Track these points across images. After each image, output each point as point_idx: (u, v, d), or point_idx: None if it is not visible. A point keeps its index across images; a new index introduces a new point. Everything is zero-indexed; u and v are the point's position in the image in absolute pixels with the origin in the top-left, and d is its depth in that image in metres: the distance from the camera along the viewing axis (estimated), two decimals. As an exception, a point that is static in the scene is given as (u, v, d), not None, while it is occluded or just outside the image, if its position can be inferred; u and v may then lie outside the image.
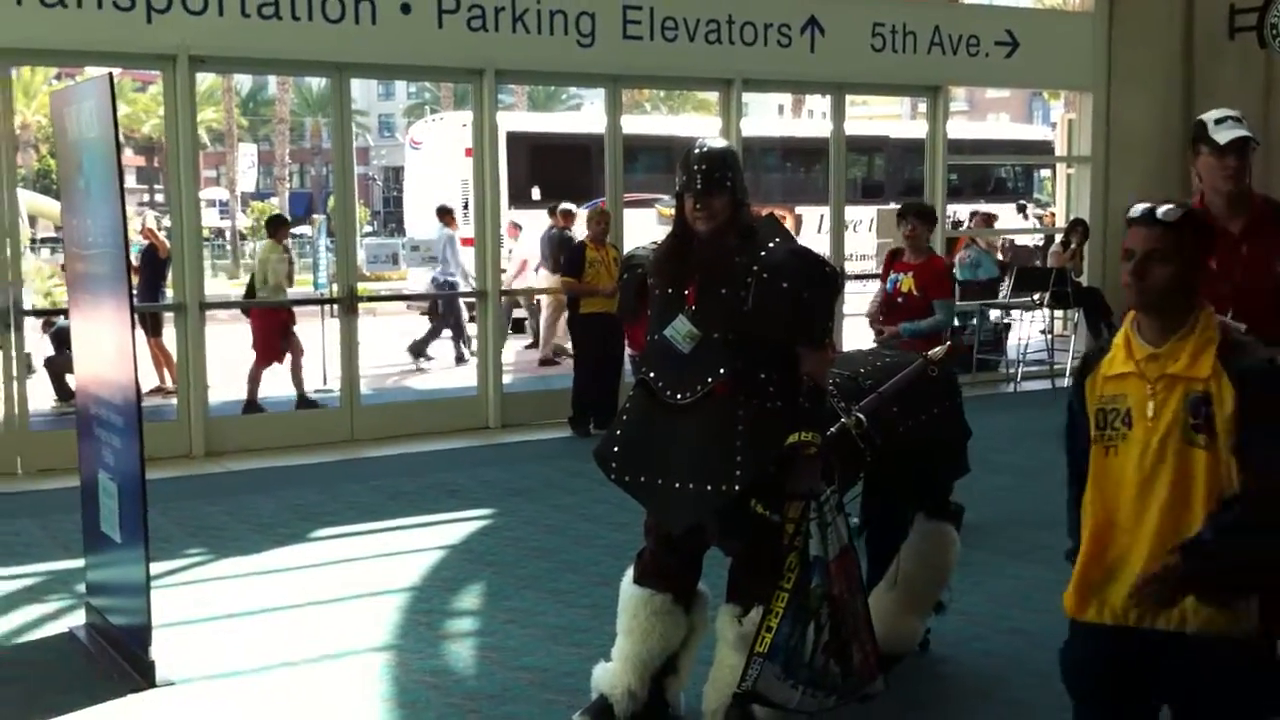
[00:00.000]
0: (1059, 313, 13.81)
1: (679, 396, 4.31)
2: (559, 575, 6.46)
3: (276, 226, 12.28)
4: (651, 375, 4.41)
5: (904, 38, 12.31)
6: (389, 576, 6.46)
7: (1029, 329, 14.14)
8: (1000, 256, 19.31)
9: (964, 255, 14.29)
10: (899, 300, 7.14)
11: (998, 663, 5.28)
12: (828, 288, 4.47)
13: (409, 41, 10.03)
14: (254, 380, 11.16)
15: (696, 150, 4.38)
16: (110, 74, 5.14)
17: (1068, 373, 13.03)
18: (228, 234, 38.21)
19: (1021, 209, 23.05)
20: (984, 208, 18.79)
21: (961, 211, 20.40)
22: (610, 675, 4.55)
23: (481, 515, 7.79)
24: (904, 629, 5.09)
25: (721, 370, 4.24)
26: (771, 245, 4.36)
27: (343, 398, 10.26)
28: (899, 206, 7.58)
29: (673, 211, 4.58)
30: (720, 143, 4.53)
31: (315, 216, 20.62)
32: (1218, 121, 4.43)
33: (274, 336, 11.41)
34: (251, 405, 11.01)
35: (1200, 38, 13.55)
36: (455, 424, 10.39)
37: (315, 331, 12.91)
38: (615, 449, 4.43)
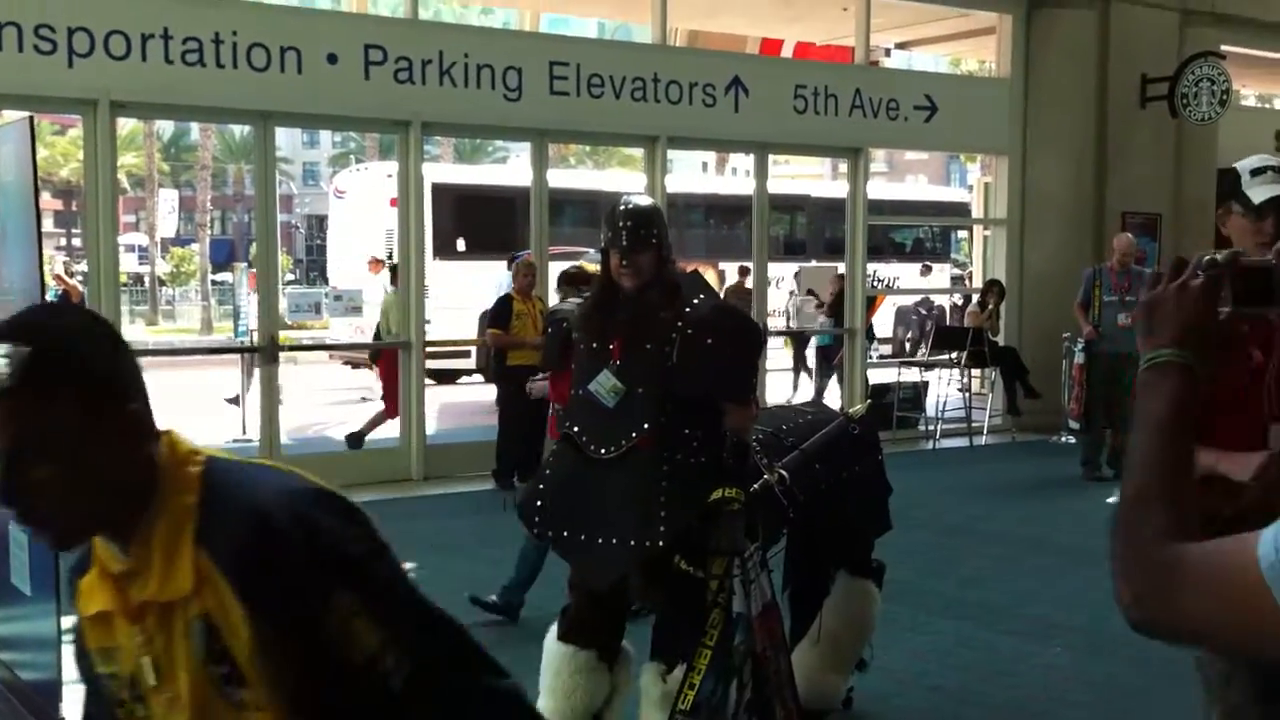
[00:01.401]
0: (976, 371, 14.01)
1: (603, 451, 4.31)
2: (484, 630, 6.40)
3: (395, 273, 11.91)
4: (575, 429, 4.41)
5: (825, 100, 12.52)
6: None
7: (947, 388, 14.35)
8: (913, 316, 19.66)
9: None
10: None
11: (918, 719, 5.31)
12: (751, 344, 4.52)
13: (335, 91, 10.02)
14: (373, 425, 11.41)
15: (622, 207, 4.41)
16: (31, 118, 5.08)
17: (985, 430, 13.25)
18: (146, 280, 37.69)
19: (926, 270, 23.34)
20: (816, 265, 18.88)
21: (881, 270, 20.72)
22: (533, 734, 4.51)
23: (407, 570, 7.68)
24: (826, 686, 5.11)
25: (645, 425, 4.26)
26: (696, 301, 4.40)
27: (263, 447, 10.13)
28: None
29: (598, 267, 4.62)
30: (646, 200, 4.57)
31: (237, 265, 20.37)
32: (1254, 173, 3.37)
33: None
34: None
35: (1114, 105, 13.94)
36: (378, 475, 10.30)
37: (235, 380, 12.76)
38: (539, 503, 4.42)
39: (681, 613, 4.32)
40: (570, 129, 11.63)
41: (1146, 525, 1.38)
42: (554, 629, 4.55)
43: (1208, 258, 1.52)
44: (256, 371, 11.01)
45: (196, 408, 14.78)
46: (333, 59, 9.95)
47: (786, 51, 16.23)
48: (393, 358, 11.18)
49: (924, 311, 19.43)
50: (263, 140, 10.07)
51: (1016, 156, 13.87)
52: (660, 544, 4.17)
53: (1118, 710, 5.43)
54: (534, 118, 10.94)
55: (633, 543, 4.20)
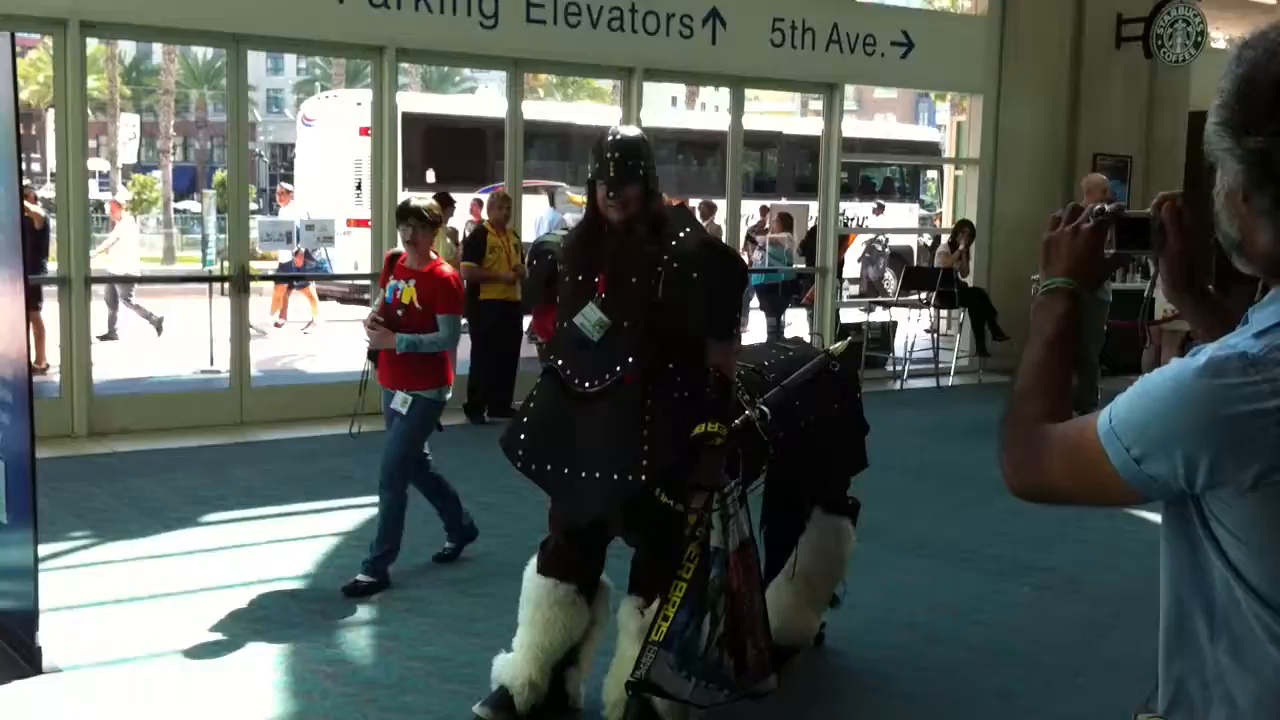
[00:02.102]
0: (945, 312, 14.06)
1: (587, 385, 4.31)
2: (455, 565, 6.43)
3: (442, 206, 11.67)
4: (560, 363, 4.40)
5: (803, 34, 12.43)
6: (282, 563, 6.37)
7: (915, 328, 14.40)
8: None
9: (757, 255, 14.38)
10: (399, 313, 6.07)
11: (889, 657, 5.37)
12: (737, 280, 4.51)
13: (308, 15, 9.87)
14: None
15: (610, 138, 4.37)
16: (12, 34, 4.87)
17: (952, 371, 13.32)
18: (107, 207, 37.16)
19: (879, 210, 23.17)
20: (788, 204, 18.77)
21: (852, 209, 20.67)
22: (511, 666, 4.55)
23: (376, 503, 7.67)
24: (800, 623, 5.16)
25: (630, 359, 4.25)
26: (682, 235, 4.38)
27: (232, 379, 10.07)
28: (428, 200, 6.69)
29: (583, 199, 4.58)
30: (634, 131, 4.52)
31: (206, 192, 20.15)
32: None
33: None
34: None
35: (1089, 46, 13.93)
36: (348, 408, 10.24)
37: (202, 311, 12.66)
38: (522, 437, 4.42)
39: (661, 547, 4.34)
40: (546, 59, 11.49)
41: (1027, 412, 1.74)
42: (533, 562, 4.57)
43: (1098, 207, 1.84)
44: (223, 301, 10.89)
45: (164, 338, 14.71)
46: (306, -18, 9.79)
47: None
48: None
49: (879, 248, 19.28)
50: (235, 64, 9.91)
51: (991, 96, 13.83)
52: (643, 478, 4.17)
53: (1085, 648, 5.51)
54: (509, 47, 10.81)
55: (616, 478, 4.20)
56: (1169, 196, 1.87)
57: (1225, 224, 1.64)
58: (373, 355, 6.48)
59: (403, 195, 10.54)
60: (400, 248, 6.31)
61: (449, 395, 6.29)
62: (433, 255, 6.23)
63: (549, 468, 4.34)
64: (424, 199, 6.48)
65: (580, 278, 4.39)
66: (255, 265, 14.89)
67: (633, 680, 4.17)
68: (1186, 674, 1.65)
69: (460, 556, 6.56)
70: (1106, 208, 1.85)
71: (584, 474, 4.25)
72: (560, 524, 4.50)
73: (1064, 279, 1.82)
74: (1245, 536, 1.54)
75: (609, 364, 4.27)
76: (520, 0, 10.74)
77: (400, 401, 6.05)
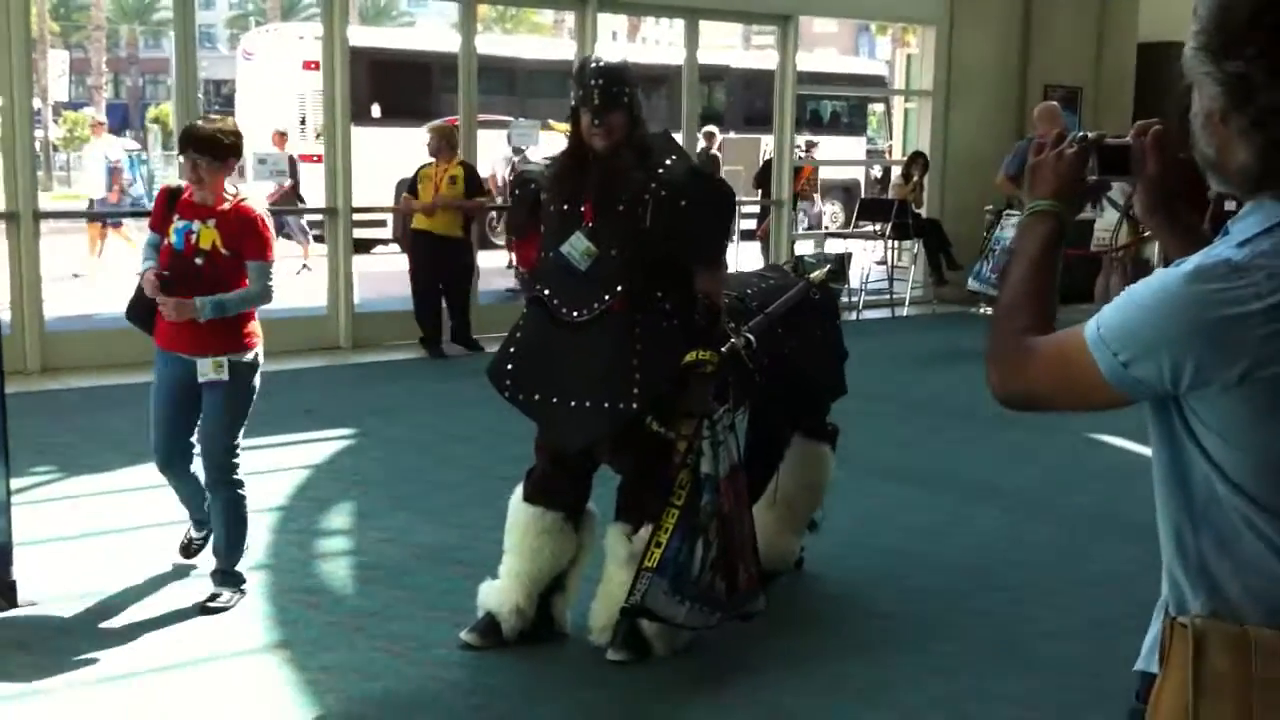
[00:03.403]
0: (900, 243, 14.11)
1: (575, 314, 4.29)
2: (430, 495, 6.41)
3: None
4: (546, 292, 4.37)
5: (757, -35, 12.33)
6: (253, 495, 6.23)
7: (869, 259, 14.46)
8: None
9: None
10: (197, 261, 4.75)
11: (867, 579, 5.44)
12: (724, 207, 4.50)
13: (258, -55, 9.64)
14: None
15: (593, 65, 4.34)
16: None
17: (907, 302, 13.40)
18: (39, 144, 36.35)
19: (811, 145, 22.95)
20: (736, 137, 18.57)
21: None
22: (497, 593, 4.55)
23: (343, 435, 7.66)
24: (782, 547, 5.21)
25: (618, 287, 4.24)
26: (669, 163, 4.36)
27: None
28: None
29: (565, 127, 4.55)
30: (616, 58, 4.48)
31: (149, 126, 19.77)
32: None
33: None
34: None
35: (1040, -24, 13.94)
36: (307, 343, 10.16)
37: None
38: (509, 367, 4.40)
39: (648, 474, 4.36)
40: (500, -10, 11.32)
41: (1014, 325, 1.83)
42: (519, 490, 4.57)
43: (1080, 134, 1.95)
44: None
45: (108, 274, 14.47)
46: (254, -90, 9.55)
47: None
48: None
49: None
50: (182, -5, 9.66)
51: (944, 27, 13.82)
52: (635, 406, 4.17)
53: (1056, 566, 5.62)
54: (463, -23, 10.65)
55: (607, 405, 4.20)
56: (1147, 125, 1.97)
57: (1203, 144, 1.72)
58: (136, 311, 5.00)
59: (354, 130, 10.44)
60: (180, 180, 5.03)
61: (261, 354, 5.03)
62: (230, 192, 4.84)
63: (537, 397, 4.32)
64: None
65: (565, 207, 4.36)
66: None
67: (627, 606, 4.20)
68: (1177, 570, 1.74)
69: (431, 487, 6.52)
70: (1090, 135, 1.95)
71: (574, 402, 4.25)
72: (547, 451, 4.49)
73: (1048, 201, 1.91)
74: (1227, 433, 1.64)
75: (597, 292, 4.25)
76: (474, -72, 10.56)
77: (213, 368, 4.75)
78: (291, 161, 15.19)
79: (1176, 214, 2.01)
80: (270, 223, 4.95)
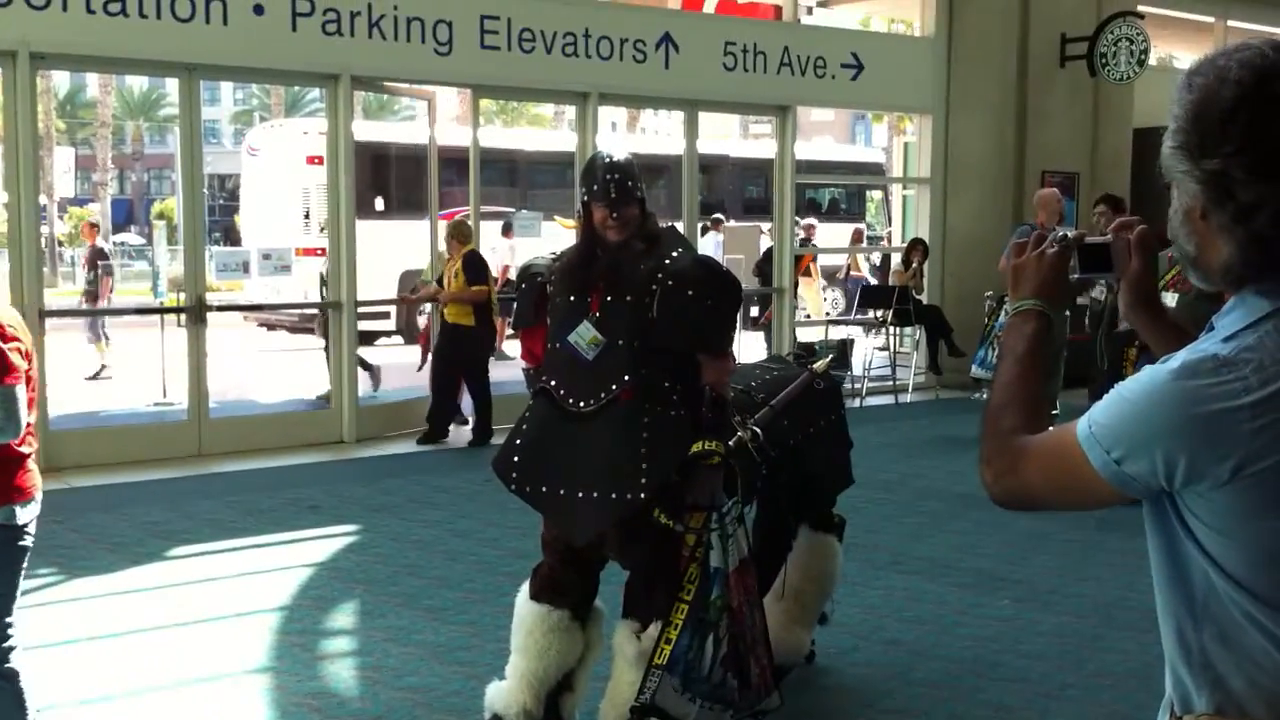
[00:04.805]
0: (901, 329, 14.13)
1: (582, 404, 4.27)
2: (433, 592, 6.34)
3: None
4: (553, 383, 4.36)
5: (754, 57, 12.49)
6: (256, 596, 6.25)
7: (871, 346, 14.48)
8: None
9: None
10: None
11: (879, 673, 5.36)
12: (730, 298, 4.50)
13: (261, 44, 9.77)
14: None
15: (606, 160, 4.38)
16: None
17: (910, 388, 13.39)
18: (44, 241, 36.61)
19: (809, 231, 23.01)
20: (737, 225, 18.68)
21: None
22: (505, 694, 4.47)
23: (346, 532, 7.60)
24: (792, 640, 5.13)
25: (626, 377, 4.22)
26: (675, 254, 4.38)
27: (190, 410, 9.90)
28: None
29: (573, 222, 4.56)
30: (623, 154, 4.51)
31: (155, 223, 19.89)
32: None
33: None
34: None
35: (1034, 64, 14.10)
36: (309, 438, 10.13)
37: (154, 342, 12.48)
38: (515, 459, 4.36)
39: (657, 568, 4.30)
40: (501, 84, 11.46)
41: (1004, 425, 1.83)
42: (525, 588, 4.51)
43: (1061, 234, 1.99)
44: (177, 332, 10.72)
45: (113, 371, 14.50)
46: (259, 10, 9.68)
47: (709, 7, 16.15)
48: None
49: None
50: (188, 94, 9.76)
51: (940, 115, 13.96)
52: (643, 497, 4.14)
53: (1070, 657, 5.53)
54: (465, 72, 10.78)
55: (614, 496, 4.16)
56: (1128, 223, 2.01)
57: (1183, 241, 1.74)
58: None
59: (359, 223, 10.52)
60: None
61: (34, 510, 4.02)
62: None
63: (544, 489, 4.29)
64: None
65: (573, 298, 4.36)
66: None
67: (637, 705, 4.12)
68: (1180, 667, 1.74)
69: (435, 584, 6.46)
70: (1069, 234, 1.98)
71: (581, 493, 4.21)
72: (554, 548, 4.45)
73: (1032, 300, 1.94)
74: (1223, 528, 1.64)
75: (604, 382, 4.23)
76: (475, 26, 10.71)
77: None
78: (98, 253, 15.38)
79: (1159, 310, 2.03)
80: (15, 332, 3.95)
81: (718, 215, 16.68)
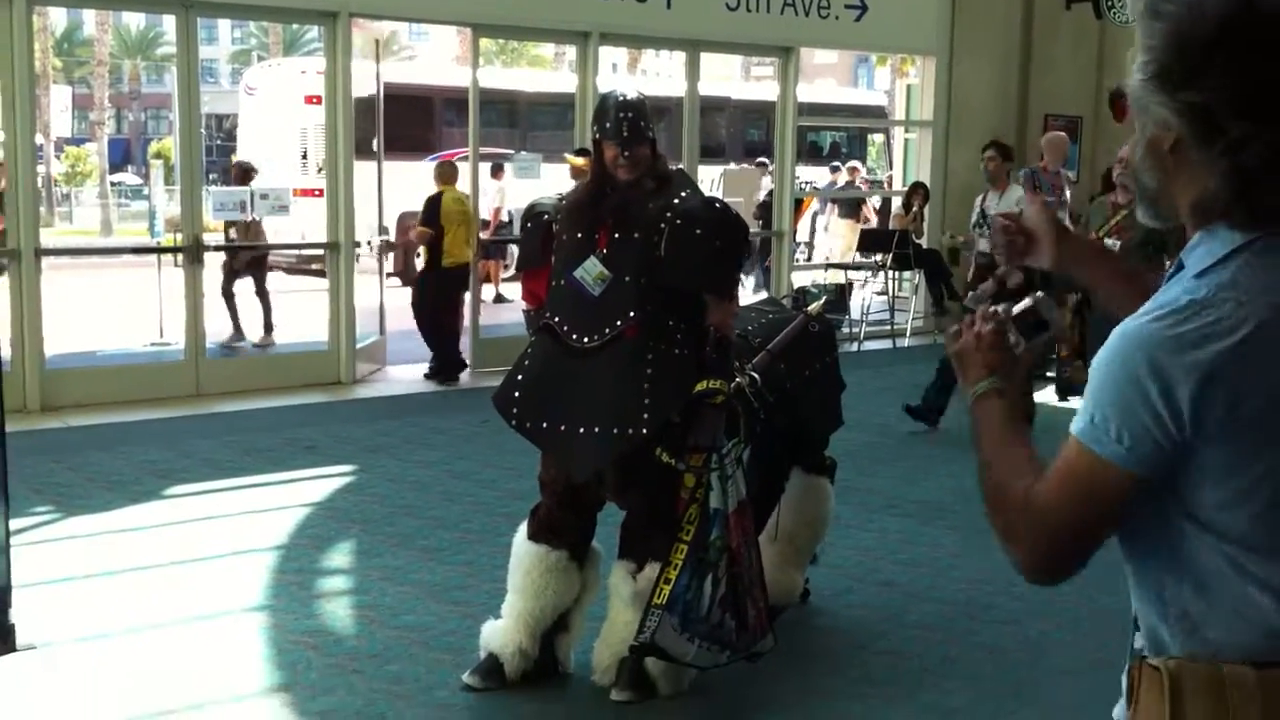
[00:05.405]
0: (901, 274, 14.10)
1: (585, 340, 4.28)
2: (430, 533, 6.36)
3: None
4: (556, 319, 4.37)
5: (757, -2, 12.34)
6: (253, 535, 6.28)
7: (869, 290, 14.46)
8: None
9: None
10: None
11: (873, 615, 5.39)
12: (737, 239, 4.50)
13: (259, -19, 9.67)
14: None
15: (618, 99, 4.37)
16: None
17: (908, 332, 13.38)
18: (41, 180, 36.43)
19: (836, 169, 23.03)
20: (737, 168, 18.72)
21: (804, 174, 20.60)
22: (501, 633, 4.50)
23: (343, 472, 7.61)
24: (785, 582, 5.16)
25: (631, 313, 4.23)
26: (685, 194, 4.37)
27: (188, 350, 9.89)
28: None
29: (580, 161, 4.56)
30: (634, 93, 4.49)
31: (153, 162, 19.78)
32: None
33: None
34: None
35: (1039, 7, 13.97)
36: (306, 378, 10.13)
37: (150, 282, 12.45)
38: (516, 394, 4.37)
39: (655, 510, 4.32)
40: (501, 23, 11.33)
41: (1009, 499, 1.71)
42: (523, 528, 4.53)
43: (993, 310, 1.90)
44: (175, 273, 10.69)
45: (108, 311, 14.48)
46: (257, -54, 9.59)
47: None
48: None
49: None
50: (184, 31, 9.67)
51: (943, 58, 13.83)
52: (645, 433, 4.14)
53: (1057, 601, 5.55)
54: (465, 11, 10.69)
55: (615, 432, 4.17)
56: (1007, 225, 2.12)
57: (1144, 174, 1.68)
58: None
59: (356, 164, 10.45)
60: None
61: None
62: None
63: (545, 425, 4.30)
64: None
65: (580, 235, 4.37)
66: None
67: (637, 644, 4.16)
68: (1156, 621, 1.70)
69: (431, 525, 6.48)
70: (999, 310, 1.91)
71: (582, 429, 4.22)
72: (552, 489, 4.46)
73: (986, 382, 1.86)
74: (1214, 475, 1.58)
75: (609, 318, 4.24)
76: (474, -37, 10.60)
77: None
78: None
79: (1109, 256, 2.01)
80: None
81: (762, 160, 16.66)
